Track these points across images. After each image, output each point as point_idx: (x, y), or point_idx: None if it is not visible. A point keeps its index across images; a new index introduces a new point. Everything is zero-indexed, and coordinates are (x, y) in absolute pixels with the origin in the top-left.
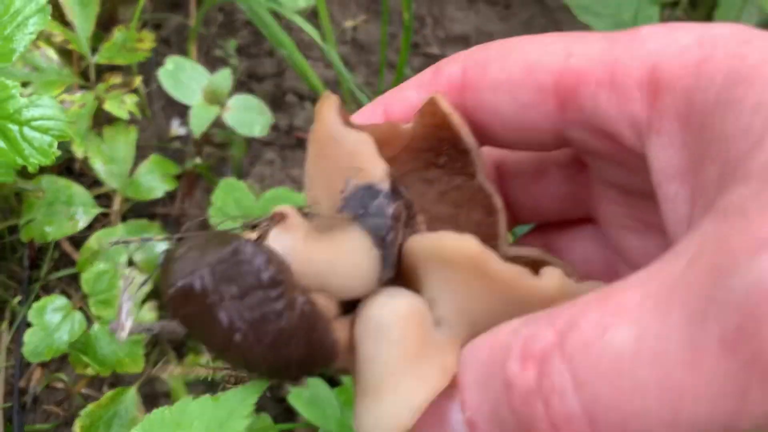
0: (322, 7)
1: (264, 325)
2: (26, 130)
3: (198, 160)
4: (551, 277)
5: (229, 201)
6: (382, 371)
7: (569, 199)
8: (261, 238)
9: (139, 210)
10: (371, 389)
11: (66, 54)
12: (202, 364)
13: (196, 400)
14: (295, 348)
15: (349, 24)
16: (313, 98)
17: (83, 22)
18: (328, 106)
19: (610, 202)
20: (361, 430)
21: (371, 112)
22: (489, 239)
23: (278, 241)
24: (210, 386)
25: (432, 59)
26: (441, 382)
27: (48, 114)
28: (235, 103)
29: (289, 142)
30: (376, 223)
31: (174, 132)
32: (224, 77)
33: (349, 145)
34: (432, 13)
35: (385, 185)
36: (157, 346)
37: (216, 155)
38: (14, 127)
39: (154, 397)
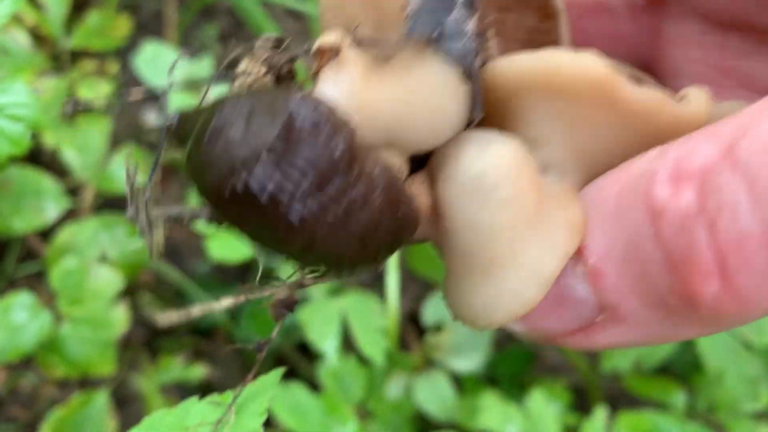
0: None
1: (349, 222)
2: None
3: (179, 155)
4: (700, 100)
5: None
6: (494, 240)
7: (629, 44)
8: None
9: (112, 204)
10: (480, 264)
11: (37, 37)
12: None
13: (202, 401)
14: (384, 234)
15: None
16: None
17: (57, 4)
18: None
19: (687, 44)
20: (468, 315)
21: None
22: None
23: (333, 87)
24: (184, 390)
25: None
26: (571, 243)
27: (20, 101)
28: (217, 94)
29: None
30: (458, 49)
31: (149, 122)
32: (205, 66)
33: None
34: None
35: None
36: (129, 346)
37: None
38: None
39: (125, 400)
